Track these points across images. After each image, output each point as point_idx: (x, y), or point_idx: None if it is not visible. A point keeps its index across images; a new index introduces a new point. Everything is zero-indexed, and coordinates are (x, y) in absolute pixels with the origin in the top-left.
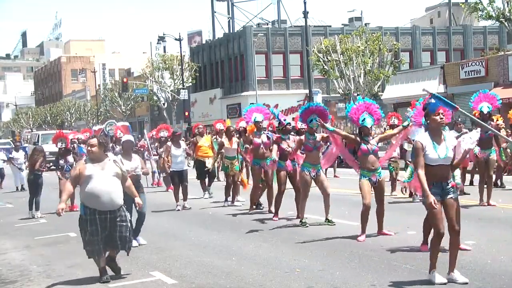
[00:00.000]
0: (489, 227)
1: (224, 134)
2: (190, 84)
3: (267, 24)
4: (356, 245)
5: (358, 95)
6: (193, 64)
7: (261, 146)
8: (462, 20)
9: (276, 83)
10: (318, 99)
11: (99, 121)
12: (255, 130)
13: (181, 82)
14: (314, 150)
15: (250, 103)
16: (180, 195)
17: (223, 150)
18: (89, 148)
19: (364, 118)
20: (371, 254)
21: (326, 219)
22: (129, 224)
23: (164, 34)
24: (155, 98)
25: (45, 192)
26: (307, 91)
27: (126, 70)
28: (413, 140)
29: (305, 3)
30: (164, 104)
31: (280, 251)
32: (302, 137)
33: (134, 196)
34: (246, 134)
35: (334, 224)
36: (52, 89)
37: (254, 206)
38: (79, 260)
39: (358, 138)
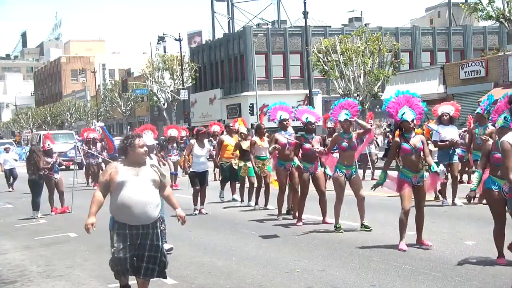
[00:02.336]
0: (489, 227)
1: (254, 132)
2: (190, 84)
3: (267, 25)
4: (356, 245)
5: (358, 95)
6: (193, 64)
7: (287, 146)
8: (462, 21)
9: (276, 84)
10: (318, 99)
11: (99, 121)
12: (280, 129)
13: (181, 82)
14: (349, 150)
15: (251, 103)
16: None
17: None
18: (138, 149)
19: (404, 112)
20: (371, 254)
21: (362, 224)
22: (160, 244)
23: (164, 34)
24: (155, 98)
25: (46, 191)
26: (307, 91)
27: (126, 70)
28: (437, 140)
29: (305, 3)
30: (164, 104)
31: (280, 252)
32: (335, 135)
33: (174, 208)
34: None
35: (370, 230)
36: (52, 89)
37: (284, 212)
38: (79, 260)
39: (397, 138)
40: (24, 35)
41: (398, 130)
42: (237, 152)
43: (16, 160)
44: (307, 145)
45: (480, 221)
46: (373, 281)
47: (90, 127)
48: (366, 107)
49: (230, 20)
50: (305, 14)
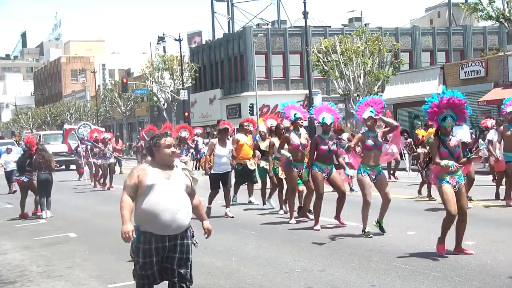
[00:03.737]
0: (488, 228)
1: (274, 132)
2: (190, 84)
3: (267, 25)
4: (356, 245)
5: (357, 95)
6: (193, 64)
7: (300, 147)
8: (462, 21)
9: (276, 84)
10: (318, 99)
11: (99, 121)
12: (293, 129)
13: (181, 82)
14: (375, 149)
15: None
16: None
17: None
18: (172, 149)
19: (446, 116)
20: (371, 255)
21: (378, 222)
22: (190, 257)
23: (164, 35)
24: (155, 98)
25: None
26: (307, 91)
27: (126, 71)
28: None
29: (305, 3)
30: (164, 104)
31: (280, 252)
32: (360, 134)
33: (202, 220)
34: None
35: (383, 233)
36: (52, 90)
37: (296, 214)
38: (79, 260)
39: (435, 140)
40: (24, 35)
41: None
42: (258, 153)
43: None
44: (323, 146)
45: (480, 221)
46: (373, 281)
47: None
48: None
49: (230, 20)
50: (305, 14)
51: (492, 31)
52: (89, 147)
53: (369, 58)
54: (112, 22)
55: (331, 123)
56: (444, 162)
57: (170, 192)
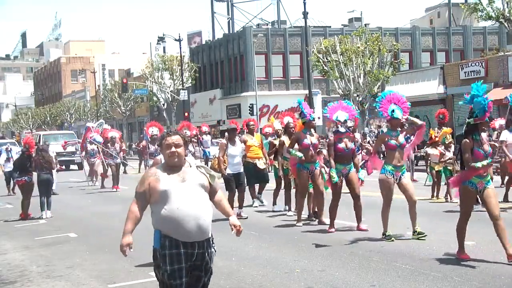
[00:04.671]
0: (488, 228)
1: (283, 131)
2: (190, 84)
3: (267, 25)
4: (356, 245)
5: (357, 95)
6: (192, 64)
7: (310, 147)
8: (461, 21)
9: (275, 84)
10: (318, 99)
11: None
12: (304, 128)
13: (180, 82)
14: (398, 149)
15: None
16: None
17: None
18: (172, 149)
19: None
20: (371, 255)
21: (414, 231)
22: (212, 266)
23: (163, 35)
24: (154, 98)
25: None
26: (306, 91)
27: (125, 71)
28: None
29: (304, 3)
30: (164, 104)
31: (280, 252)
32: (383, 133)
33: (227, 215)
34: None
35: (425, 237)
36: (52, 90)
37: (307, 217)
38: (79, 260)
39: (468, 140)
40: (24, 35)
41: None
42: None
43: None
44: (341, 145)
45: (480, 221)
46: (373, 281)
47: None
48: (365, 107)
49: (230, 21)
50: (305, 14)
51: (492, 31)
52: (99, 146)
53: (369, 58)
54: (112, 22)
55: (345, 120)
56: (479, 164)
57: (188, 196)
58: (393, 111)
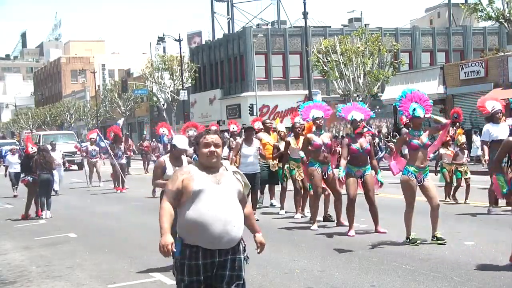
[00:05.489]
0: (488, 228)
1: (291, 132)
2: (190, 84)
3: (267, 25)
4: (356, 245)
5: (357, 96)
6: (192, 64)
7: (322, 147)
8: (461, 21)
9: (275, 84)
10: (318, 99)
11: (99, 121)
12: (315, 129)
13: (180, 82)
14: (421, 149)
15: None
16: None
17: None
18: (211, 148)
19: None
20: (370, 255)
21: (434, 236)
22: (243, 274)
23: (163, 35)
24: (154, 98)
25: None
26: (306, 91)
27: (125, 71)
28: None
29: (304, 4)
30: (163, 104)
31: (280, 252)
32: (404, 134)
33: (254, 232)
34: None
35: (445, 243)
36: (52, 90)
37: (322, 219)
38: (79, 261)
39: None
40: (24, 36)
41: None
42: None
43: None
44: (355, 146)
45: (480, 221)
46: (373, 282)
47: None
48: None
49: (230, 21)
50: (305, 14)
51: (492, 32)
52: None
53: (369, 59)
54: (112, 22)
55: (361, 120)
56: None
57: (221, 199)
58: (414, 109)
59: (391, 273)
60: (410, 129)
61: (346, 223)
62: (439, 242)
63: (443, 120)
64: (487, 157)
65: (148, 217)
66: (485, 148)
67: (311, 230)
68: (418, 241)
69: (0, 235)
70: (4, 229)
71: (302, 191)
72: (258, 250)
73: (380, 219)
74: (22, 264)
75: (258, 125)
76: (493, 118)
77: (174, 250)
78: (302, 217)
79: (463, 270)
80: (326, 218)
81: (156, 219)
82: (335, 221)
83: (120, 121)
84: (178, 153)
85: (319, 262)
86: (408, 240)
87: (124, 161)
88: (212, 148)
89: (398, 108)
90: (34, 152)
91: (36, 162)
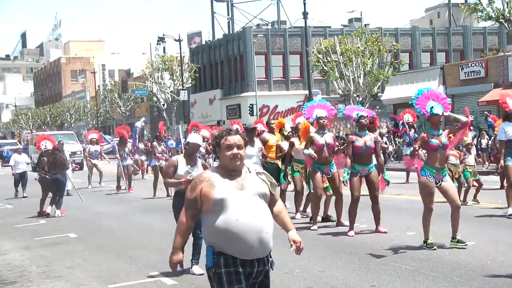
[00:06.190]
0: (488, 228)
1: (293, 133)
2: (190, 85)
3: (267, 25)
4: (356, 245)
5: (357, 96)
6: (192, 65)
7: (324, 148)
8: (461, 21)
9: (275, 84)
10: (318, 100)
11: (99, 122)
12: (318, 128)
13: (180, 83)
14: (441, 150)
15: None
16: None
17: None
18: (235, 151)
19: None
20: (370, 255)
21: (454, 238)
22: (269, 283)
23: (163, 35)
24: (154, 99)
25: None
26: (306, 92)
27: (125, 71)
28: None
29: (304, 4)
30: (163, 105)
31: (279, 252)
32: (423, 133)
33: (287, 230)
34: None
35: (465, 246)
36: (52, 90)
37: (320, 219)
38: (79, 261)
39: None
40: (23, 36)
41: None
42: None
43: (28, 164)
44: (359, 143)
45: (480, 221)
46: (373, 282)
47: (90, 128)
48: (365, 107)
49: (230, 21)
50: (305, 14)
51: (492, 32)
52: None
53: (369, 59)
54: (112, 22)
55: (367, 116)
56: None
57: (248, 206)
58: (432, 107)
59: (391, 273)
60: (429, 128)
61: (346, 223)
62: (459, 245)
63: (463, 118)
64: (502, 162)
65: (148, 217)
66: (502, 151)
67: (311, 230)
68: (435, 247)
69: (0, 235)
70: (4, 229)
71: (303, 191)
72: (293, 249)
73: (381, 219)
74: (22, 264)
75: (259, 127)
76: (509, 117)
77: (180, 269)
78: (302, 217)
79: (463, 270)
80: (326, 218)
81: (155, 219)
82: (335, 221)
83: (139, 123)
84: (191, 149)
85: (319, 262)
86: (425, 245)
87: (130, 162)
88: (235, 150)
89: (415, 106)
90: (48, 150)
91: (50, 162)
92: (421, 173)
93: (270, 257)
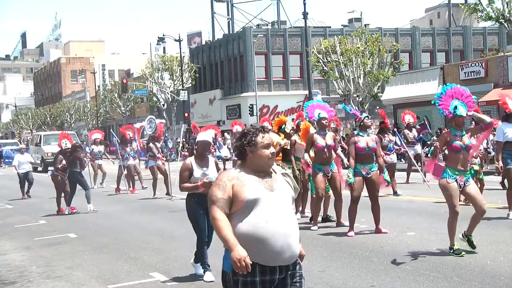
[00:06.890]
0: (488, 228)
1: (294, 131)
2: (190, 85)
3: (267, 25)
4: (356, 246)
5: (357, 96)
6: (192, 65)
7: (325, 149)
8: (461, 21)
9: (275, 84)
10: (318, 100)
11: (99, 122)
12: (319, 129)
13: (180, 83)
14: (463, 151)
15: (251, 104)
16: None
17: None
18: (272, 150)
19: None
20: (370, 255)
21: (466, 236)
22: None
23: (163, 35)
24: (154, 99)
25: (46, 192)
26: (306, 92)
27: (125, 71)
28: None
29: (304, 4)
30: (163, 105)
31: None
32: (445, 133)
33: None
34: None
35: (473, 250)
36: (52, 90)
37: (320, 220)
38: (79, 261)
39: None
40: (23, 36)
41: None
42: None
43: (31, 163)
44: (362, 145)
45: (480, 222)
46: (373, 282)
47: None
48: (365, 107)
49: (230, 21)
50: (305, 14)
51: (492, 32)
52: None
53: (369, 59)
54: (112, 22)
55: (371, 117)
56: None
57: (278, 208)
58: (455, 107)
59: (391, 273)
60: (451, 128)
61: (346, 223)
62: (469, 244)
63: (487, 118)
64: (501, 164)
65: (148, 217)
66: (499, 152)
67: (312, 230)
68: (463, 253)
69: (0, 235)
70: (4, 229)
71: (303, 190)
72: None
73: (381, 219)
74: (22, 265)
75: (266, 125)
76: (508, 118)
77: (250, 262)
78: (302, 217)
79: (463, 270)
80: (326, 218)
81: (155, 220)
82: (335, 221)
83: (137, 124)
84: (201, 148)
85: (319, 262)
86: (451, 251)
87: (132, 162)
88: (273, 149)
89: (438, 107)
90: (68, 148)
91: (74, 158)
92: (443, 175)
93: (300, 269)
